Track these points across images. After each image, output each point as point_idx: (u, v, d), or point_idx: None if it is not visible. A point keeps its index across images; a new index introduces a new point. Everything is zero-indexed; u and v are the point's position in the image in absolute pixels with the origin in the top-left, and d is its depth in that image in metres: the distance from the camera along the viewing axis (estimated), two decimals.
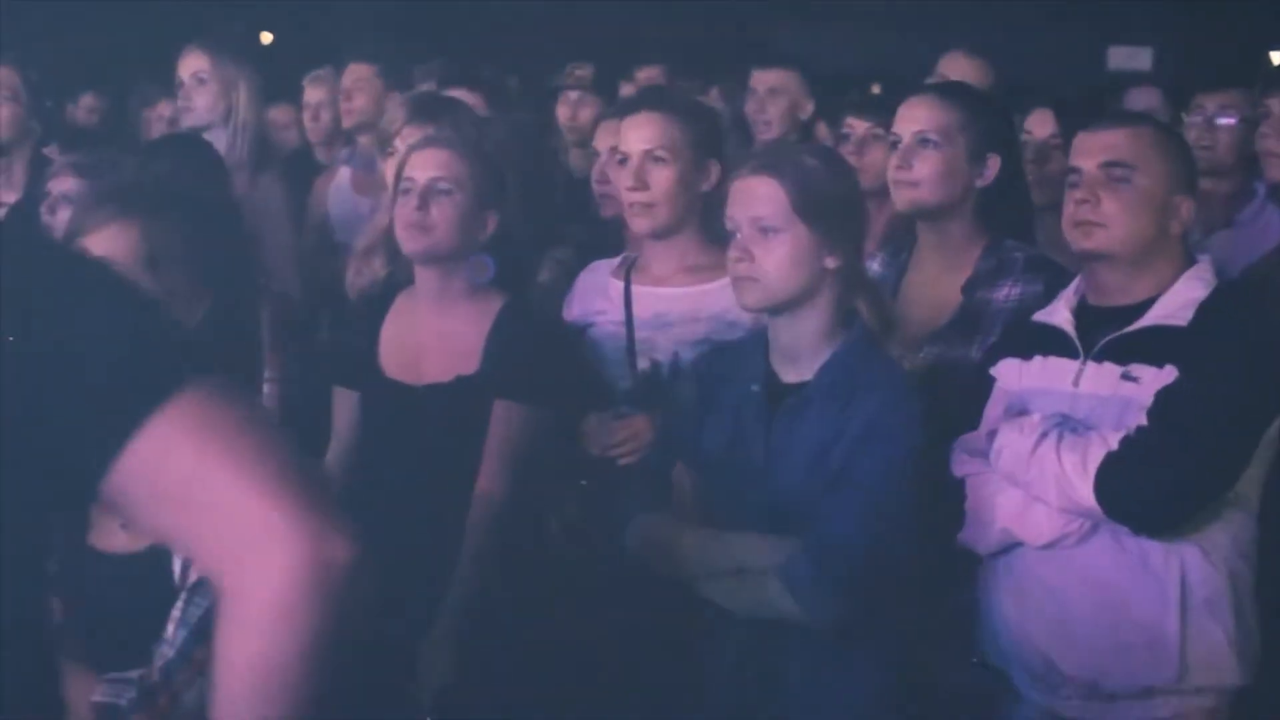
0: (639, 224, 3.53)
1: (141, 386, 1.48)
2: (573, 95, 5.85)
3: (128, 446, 1.45)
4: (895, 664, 3.01)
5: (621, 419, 3.44)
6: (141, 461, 1.46)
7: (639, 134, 3.52)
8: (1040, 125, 4.30)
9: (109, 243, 2.56)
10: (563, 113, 5.82)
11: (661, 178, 3.48)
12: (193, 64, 4.81)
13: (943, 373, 3.37)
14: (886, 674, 2.99)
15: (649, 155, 3.48)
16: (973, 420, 3.15)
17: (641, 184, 3.47)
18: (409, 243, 3.38)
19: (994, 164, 3.48)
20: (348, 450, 3.48)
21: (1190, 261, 3.03)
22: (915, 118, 3.51)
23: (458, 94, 4.31)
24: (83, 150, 4.35)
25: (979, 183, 3.48)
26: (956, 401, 3.33)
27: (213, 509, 1.46)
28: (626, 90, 6.11)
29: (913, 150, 3.47)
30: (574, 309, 3.67)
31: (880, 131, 4.16)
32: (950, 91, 3.67)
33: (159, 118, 5.82)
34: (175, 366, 1.51)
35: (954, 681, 3.19)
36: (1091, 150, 3.04)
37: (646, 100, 3.70)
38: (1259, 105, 3.81)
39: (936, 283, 3.51)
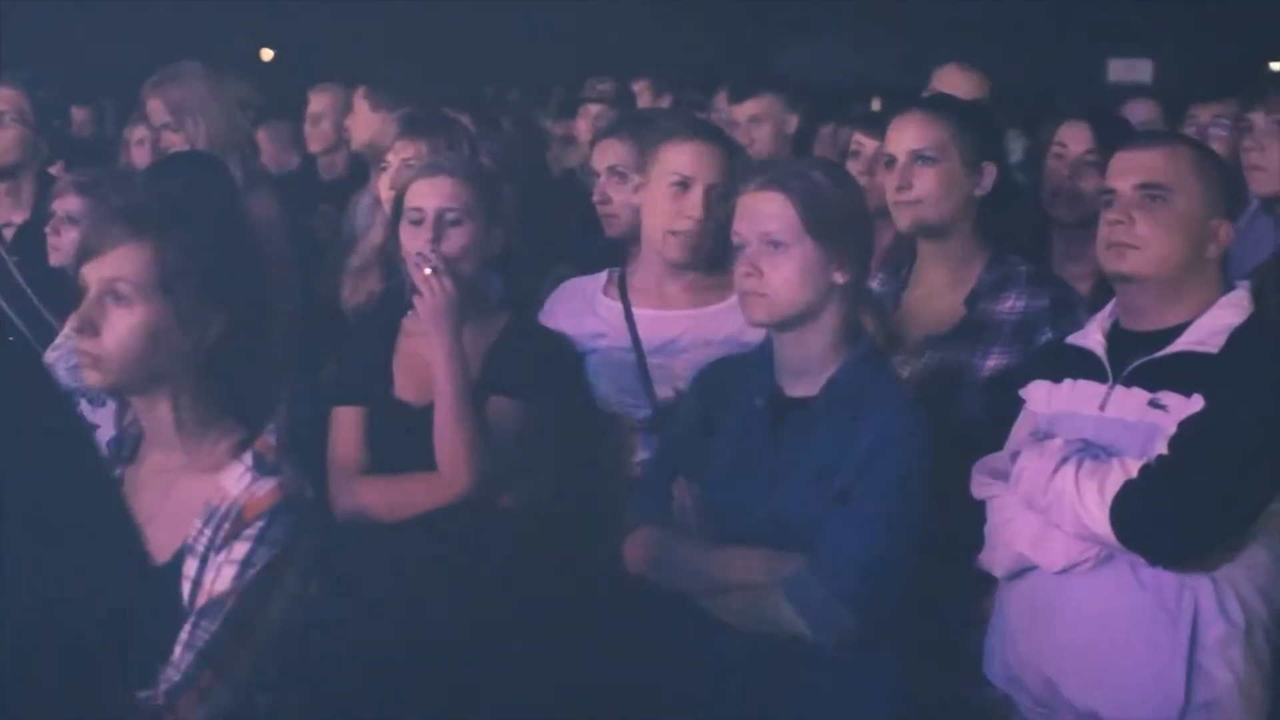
0: (679, 253, 3.51)
1: None
2: (593, 109, 5.86)
3: None
4: (901, 679, 2.99)
5: None
6: None
7: (710, 164, 3.49)
8: (1075, 140, 4.04)
9: (120, 264, 2.52)
10: (582, 127, 5.82)
11: (717, 207, 3.44)
12: (153, 111, 4.79)
13: (944, 378, 3.36)
14: (893, 688, 2.98)
15: (713, 187, 3.47)
16: (981, 433, 3.13)
17: (709, 214, 3.45)
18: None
19: (990, 172, 3.48)
20: (356, 470, 3.33)
21: (1227, 287, 2.97)
22: (908, 136, 3.50)
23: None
24: (86, 168, 4.33)
25: (977, 192, 3.48)
26: (964, 412, 3.33)
27: None
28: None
29: (910, 169, 3.46)
30: (557, 327, 3.59)
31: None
32: (938, 105, 3.66)
33: (137, 140, 5.78)
34: None
35: (960, 698, 3.18)
36: (1127, 171, 2.97)
37: (707, 129, 3.67)
38: (1241, 120, 3.77)
39: (938, 297, 3.50)
